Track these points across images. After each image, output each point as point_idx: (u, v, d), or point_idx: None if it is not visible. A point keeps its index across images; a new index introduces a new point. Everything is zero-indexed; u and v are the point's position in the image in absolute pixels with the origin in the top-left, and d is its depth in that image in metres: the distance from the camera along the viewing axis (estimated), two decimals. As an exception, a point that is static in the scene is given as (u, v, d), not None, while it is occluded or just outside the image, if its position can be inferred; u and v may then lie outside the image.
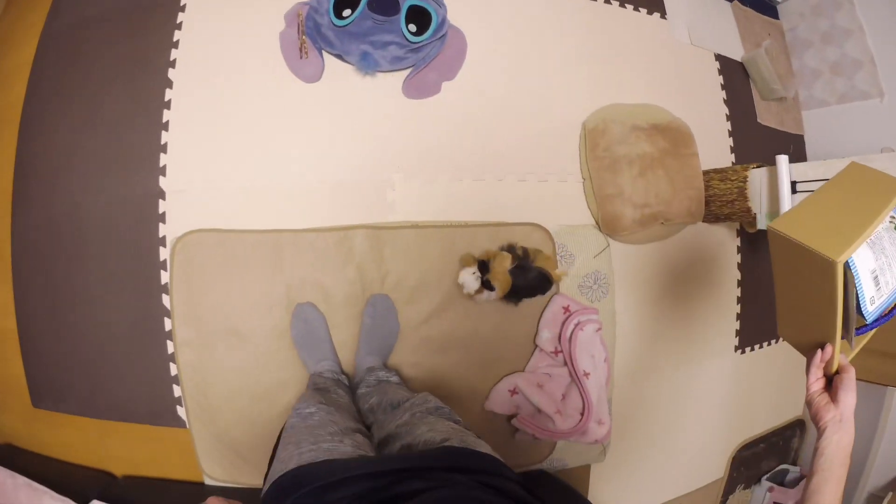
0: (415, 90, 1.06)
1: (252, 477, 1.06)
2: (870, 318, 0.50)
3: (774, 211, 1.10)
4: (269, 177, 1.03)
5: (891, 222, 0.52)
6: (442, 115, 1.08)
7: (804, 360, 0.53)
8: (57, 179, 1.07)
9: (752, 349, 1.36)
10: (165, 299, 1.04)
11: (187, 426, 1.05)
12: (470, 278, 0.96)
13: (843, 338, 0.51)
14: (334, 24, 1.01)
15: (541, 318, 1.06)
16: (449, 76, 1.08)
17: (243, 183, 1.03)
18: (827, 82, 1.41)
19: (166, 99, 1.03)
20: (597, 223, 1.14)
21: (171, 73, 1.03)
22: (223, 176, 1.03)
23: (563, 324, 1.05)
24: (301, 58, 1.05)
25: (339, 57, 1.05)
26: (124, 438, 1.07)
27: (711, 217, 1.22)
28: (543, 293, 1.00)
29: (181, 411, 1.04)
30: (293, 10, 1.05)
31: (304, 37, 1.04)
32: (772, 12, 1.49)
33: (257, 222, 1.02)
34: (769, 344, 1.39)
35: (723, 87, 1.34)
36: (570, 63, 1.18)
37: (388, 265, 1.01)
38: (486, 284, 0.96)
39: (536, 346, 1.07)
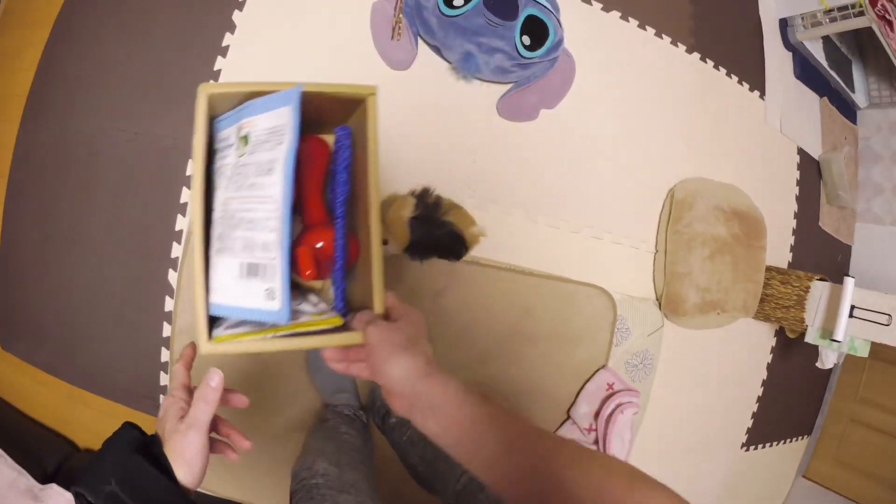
0: (511, 110, 0.85)
1: (228, 488, 0.85)
2: (284, 318, 0.34)
3: (828, 329, 0.99)
4: None
5: (237, 151, 0.36)
6: (532, 146, 0.88)
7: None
8: (80, 96, 0.81)
9: (756, 448, 1.24)
10: (172, 276, 0.80)
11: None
12: None
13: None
14: (441, 12, 0.79)
15: (582, 389, 0.90)
16: (549, 104, 0.88)
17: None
18: (886, 201, 1.29)
19: (224, 44, 0.78)
20: (658, 300, 0.97)
21: (237, 16, 0.78)
22: None
23: (604, 401, 0.88)
24: (392, 39, 0.82)
25: (435, 50, 0.83)
26: (94, 411, 0.86)
27: (761, 315, 1.08)
28: (457, 258, 0.74)
29: (164, 379, 0.81)
30: (396, -18, 0.82)
31: (400, 15, 0.81)
32: (853, 116, 1.35)
33: None
34: (772, 445, 1.27)
35: (798, 182, 1.19)
36: (668, 122, 1.01)
37: (442, 300, 0.81)
38: None
39: (570, 417, 0.90)
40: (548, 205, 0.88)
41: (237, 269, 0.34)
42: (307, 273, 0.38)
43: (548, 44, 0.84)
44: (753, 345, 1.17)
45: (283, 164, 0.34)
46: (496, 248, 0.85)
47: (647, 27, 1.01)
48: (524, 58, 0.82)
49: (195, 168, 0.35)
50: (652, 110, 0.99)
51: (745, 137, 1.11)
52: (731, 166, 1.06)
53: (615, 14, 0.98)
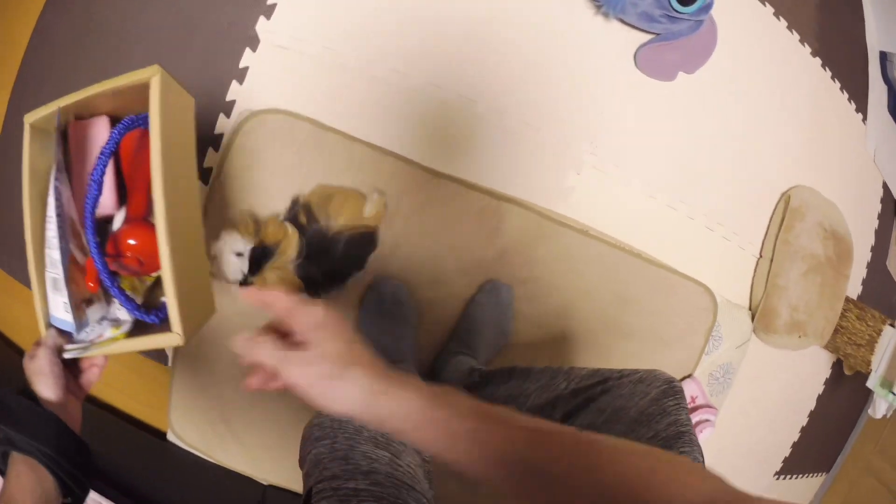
0: (651, 64, 0.72)
1: (236, 460, 0.68)
2: (73, 329, 0.39)
3: (890, 380, 0.92)
4: (416, 79, 0.63)
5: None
6: (665, 109, 0.75)
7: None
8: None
9: (786, 478, 1.17)
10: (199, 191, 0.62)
11: (169, 367, 0.65)
12: (230, 257, 0.52)
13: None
14: None
15: (666, 396, 0.77)
16: (688, 68, 0.74)
17: (380, 74, 0.64)
18: (940, 253, 1.23)
19: None
20: (752, 311, 0.86)
21: None
22: (354, 51, 0.63)
23: (687, 413, 0.76)
24: None
25: None
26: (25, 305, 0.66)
27: (831, 346, 0.99)
28: (371, 251, 0.58)
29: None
30: None
31: (547, -76, 0.66)
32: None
33: (377, 135, 0.62)
34: (797, 477, 1.21)
35: (878, 216, 1.12)
36: (784, 120, 0.91)
37: (538, 269, 0.66)
38: (245, 285, 0.53)
39: (646, 425, 0.77)
40: (668, 181, 0.75)
41: (49, 283, 0.38)
42: (90, 286, 0.38)
43: (699, 2, 0.71)
44: (810, 373, 1.10)
45: (51, 183, 0.37)
46: (607, 219, 0.71)
47: (780, 18, 0.89)
48: (675, 10, 0.69)
49: (24, 194, 0.38)
50: (772, 104, 0.88)
51: (845, 157, 1.02)
52: (830, 183, 0.97)
53: (753, -7, 0.86)
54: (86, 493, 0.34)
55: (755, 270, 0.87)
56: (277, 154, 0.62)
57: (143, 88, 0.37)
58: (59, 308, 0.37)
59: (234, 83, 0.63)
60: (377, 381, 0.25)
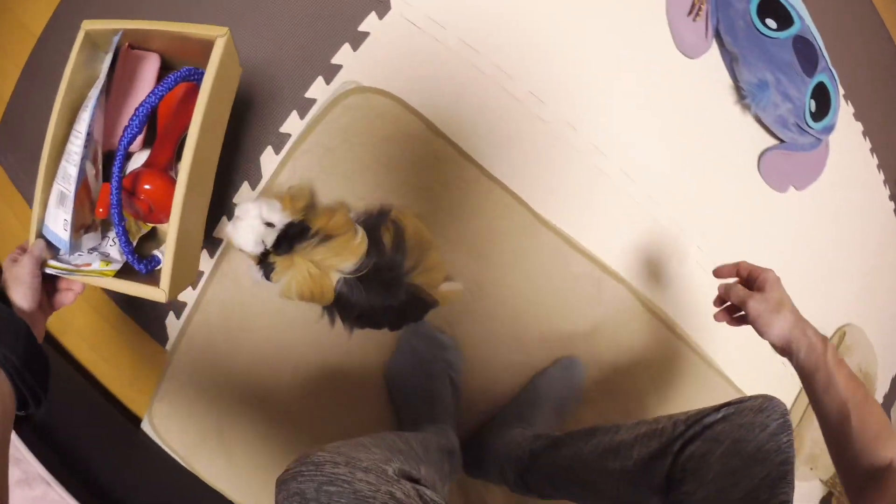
0: (772, 170, 0.70)
1: (218, 476, 0.58)
2: (66, 248, 0.38)
3: None
4: (551, 113, 0.59)
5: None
6: (763, 218, 0.72)
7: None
8: None
9: None
10: (266, 158, 0.53)
11: (166, 350, 0.55)
12: (256, 224, 0.42)
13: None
14: (752, 22, 0.63)
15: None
16: (800, 183, 0.73)
17: (518, 94, 0.58)
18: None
19: None
20: (784, 437, 0.84)
21: None
22: (496, 58, 0.57)
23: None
24: (689, 15, 0.63)
25: (727, 59, 0.66)
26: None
27: (831, 481, 0.99)
28: (415, 321, 0.52)
29: (171, 325, 0.53)
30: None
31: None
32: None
33: (487, 158, 0.57)
34: None
35: (897, 367, 1.15)
36: (852, 253, 0.91)
37: (619, 355, 0.60)
38: (264, 264, 0.43)
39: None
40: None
41: (55, 195, 0.38)
42: (99, 210, 0.39)
43: (826, 120, 0.70)
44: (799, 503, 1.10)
45: (92, 101, 0.37)
46: (692, 318, 0.67)
47: (874, 154, 0.91)
48: (806, 122, 0.68)
49: (58, 98, 0.38)
50: (849, 238, 0.89)
51: (891, 304, 1.05)
52: (872, 326, 0.98)
53: (859, 126, 0.88)
54: (39, 411, 0.33)
55: (796, 398, 0.85)
56: (373, 143, 0.54)
57: (205, 42, 0.37)
58: (59, 224, 0.37)
59: (346, 46, 0.55)
60: (799, 319, 0.40)
